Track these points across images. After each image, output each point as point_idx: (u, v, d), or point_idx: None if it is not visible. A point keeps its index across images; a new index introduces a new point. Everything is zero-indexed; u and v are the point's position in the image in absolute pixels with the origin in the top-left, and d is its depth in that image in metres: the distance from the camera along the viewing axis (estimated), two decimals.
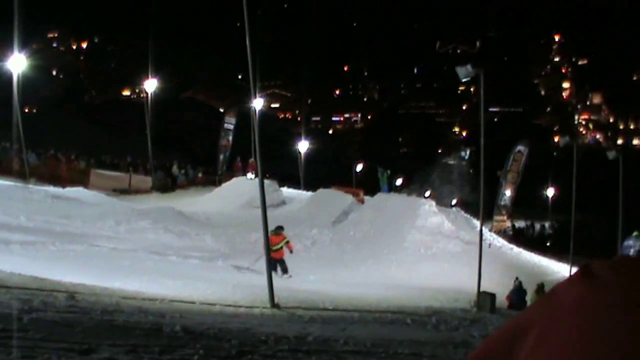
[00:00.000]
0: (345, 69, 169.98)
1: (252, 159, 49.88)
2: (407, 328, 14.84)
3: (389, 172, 44.90)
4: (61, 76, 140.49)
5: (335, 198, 40.28)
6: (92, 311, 11.35)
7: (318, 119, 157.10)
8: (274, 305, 16.13)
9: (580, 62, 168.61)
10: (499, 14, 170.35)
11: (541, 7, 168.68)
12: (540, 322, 1.00)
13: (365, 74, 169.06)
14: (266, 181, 33.36)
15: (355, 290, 21.98)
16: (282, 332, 11.64)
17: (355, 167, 63.20)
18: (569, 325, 0.94)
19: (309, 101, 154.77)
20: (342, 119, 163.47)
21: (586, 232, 49.62)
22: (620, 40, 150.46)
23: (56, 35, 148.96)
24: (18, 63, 36.44)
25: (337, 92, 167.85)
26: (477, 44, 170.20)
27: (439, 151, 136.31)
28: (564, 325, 0.95)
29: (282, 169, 54.31)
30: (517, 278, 24.51)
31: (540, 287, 24.10)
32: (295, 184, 52.09)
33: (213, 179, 51.19)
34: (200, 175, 53.48)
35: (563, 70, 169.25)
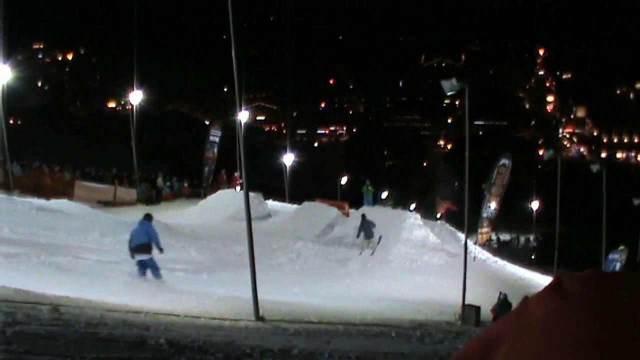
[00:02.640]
0: (331, 82, 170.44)
1: (236, 173, 49.95)
2: (392, 341, 14.85)
3: (370, 185, 44.89)
4: (46, 87, 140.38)
5: (320, 211, 40.28)
6: (77, 324, 11.30)
7: (303, 131, 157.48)
8: (258, 318, 16.09)
9: (564, 76, 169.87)
10: (483, 28, 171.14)
11: (526, 21, 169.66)
12: (511, 336, 1.00)
13: (351, 87, 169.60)
14: (251, 194, 33.36)
15: (340, 303, 21.96)
16: (267, 345, 11.62)
17: (340, 180, 63.30)
18: (538, 341, 0.95)
19: (294, 114, 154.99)
20: (327, 132, 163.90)
21: (570, 245, 49.86)
22: (604, 54, 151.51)
23: (41, 46, 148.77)
24: (2, 74, 36.29)
25: (323, 105, 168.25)
26: (462, 57, 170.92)
27: (424, 164, 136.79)
28: (533, 340, 0.96)
29: (267, 181, 54.29)
30: (501, 293, 24.53)
31: (525, 300, 24.15)
32: (280, 197, 52.07)
33: (198, 192, 51.12)
34: (185, 187, 53.39)
35: (547, 84, 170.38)
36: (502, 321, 1.06)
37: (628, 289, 0.95)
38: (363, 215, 34.24)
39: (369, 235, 33.21)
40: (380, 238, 32.88)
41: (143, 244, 21.48)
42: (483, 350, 1.04)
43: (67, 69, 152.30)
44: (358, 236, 33.63)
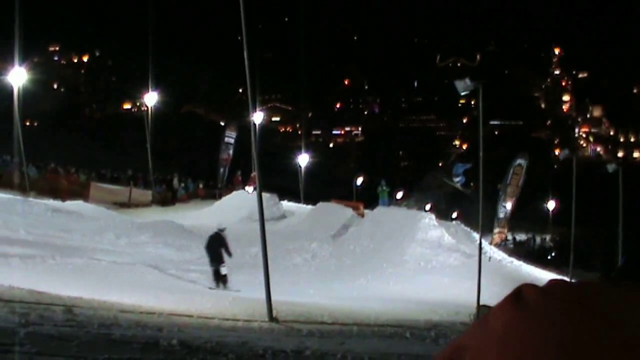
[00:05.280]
0: (346, 82, 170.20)
1: (254, 173, 49.97)
2: (406, 342, 14.79)
3: (385, 186, 44.83)
4: (62, 90, 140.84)
5: (335, 212, 40.25)
6: (90, 325, 11.31)
7: (318, 132, 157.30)
8: (272, 319, 16.06)
9: (580, 75, 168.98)
10: (499, 28, 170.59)
11: (541, 20, 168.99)
12: (473, 347, 0.99)
13: (366, 87, 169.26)
14: (266, 195, 33.39)
15: (355, 303, 21.91)
16: (280, 346, 11.60)
17: (356, 180, 63.22)
18: (498, 352, 0.94)
19: (310, 115, 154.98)
20: (342, 132, 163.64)
21: (587, 245, 49.59)
22: (620, 53, 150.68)
23: (57, 48, 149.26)
24: (19, 76, 36.51)
25: (338, 105, 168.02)
26: (477, 57, 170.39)
27: (439, 164, 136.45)
28: (493, 351, 0.94)
29: (282, 182, 54.26)
30: None
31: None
32: (295, 198, 52.07)
33: (213, 193, 51.16)
34: (200, 188, 53.46)
35: (563, 84, 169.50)
36: (467, 332, 1.05)
37: (589, 299, 0.94)
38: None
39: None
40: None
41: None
42: (452, 357, 1.03)
43: (82, 71, 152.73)
44: None
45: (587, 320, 0.90)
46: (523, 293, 0.99)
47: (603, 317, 0.90)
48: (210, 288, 22.33)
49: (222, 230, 24.46)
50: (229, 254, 23.38)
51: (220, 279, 22.81)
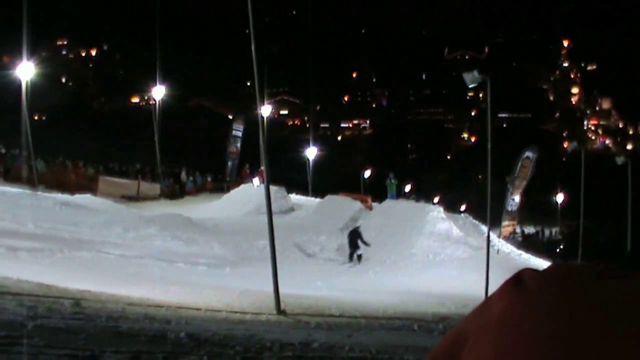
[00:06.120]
0: (354, 75, 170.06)
1: (262, 167, 49.98)
2: (414, 334, 14.77)
3: (394, 179, 44.78)
4: (70, 83, 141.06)
5: (343, 204, 40.27)
6: (98, 318, 11.33)
7: (326, 125, 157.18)
8: (280, 311, 16.07)
9: (589, 68, 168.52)
10: (506, 20, 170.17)
11: (549, 12, 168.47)
12: (474, 332, 0.98)
13: (374, 80, 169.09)
14: (274, 188, 33.45)
15: (362, 296, 21.93)
16: (288, 339, 11.60)
17: (364, 173, 63.18)
18: (496, 336, 0.93)
19: (317, 108, 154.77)
20: (350, 125, 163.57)
21: (595, 238, 49.46)
22: (629, 45, 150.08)
23: (65, 43, 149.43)
24: (27, 71, 36.57)
25: (346, 98, 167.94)
26: (486, 50, 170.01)
27: (448, 157, 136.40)
28: (491, 336, 0.94)
29: (290, 175, 54.26)
30: None
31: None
32: (303, 191, 52.10)
33: (221, 186, 51.20)
34: (208, 181, 53.49)
35: (572, 76, 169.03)
36: (468, 317, 1.04)
37: (590, 282, 0.94)
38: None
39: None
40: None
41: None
42: (453, 345, 1.02)
43: (90, 65, 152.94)
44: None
45: (587, 306, 0.89)
46: (523, 277, 0.97)
47: (603, 303, 0.89)
48: (346, 263, 30.85)
49: (358, 227, 32.84)
50: (365, 243, 31.26)
51: (358, 258, 31.00)
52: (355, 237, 31.28)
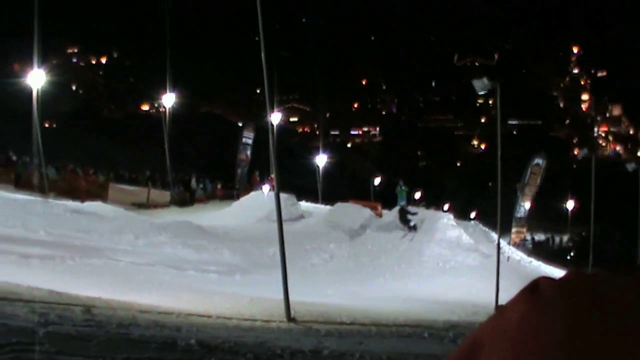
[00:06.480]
0: (363, 82, 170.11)
1: (272, 174, 50.05)
2: (424, 342, 14.75)
3: (404, 185, 44.76)
4: (80, 91, 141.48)
5: (353, 212, 40.21)
6: (108, 325, 11.35)
7: (336, 132, 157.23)
8: (290, 319, 16.05)
9: (599, 74, 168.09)
10: (516, 27, 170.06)
11: (559, 19, 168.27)
12: (490, 339, 0.99)
13: (383, 87, 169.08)
14: (284, 195, 33.43)
15: (373, 303, 21.89)
16: (298, 346, 11.61)
17: (374, 180, 63.18)
18: (513, 345, 0.93)
19: (328, 115, 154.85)
20: (360, 132, 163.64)
21: (606, 245, 49.30)
22: (639, 51, 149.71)
23: (75, 50, 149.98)
24: (37, 78, 36.72)
25: (355, 105, 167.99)
26: (495, 56, 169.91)
27: (458, 164, 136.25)
28: (508, 344, 0.94)
29: (300, 182, 54.30)
30: None
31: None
32: (313, 198, 52.09)
33: (231, 193, 51.25)
34: (218, 189, 53.56)
35: (582, 82, 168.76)
36: (484, 324, 1.04)
37: (607, 291, 0.93)
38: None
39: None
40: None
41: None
42: (469, 353, 1.02)
43: (100, 72, 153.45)
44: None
45: (604, 315, 0.89)
46: (540, 285, 0.98)
47: (620, 311, 0.89)
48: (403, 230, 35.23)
49: (403, 205, 38.56)
50: (413, 214, 36.24)
51: (413, 228, 35.22)
52: (404, 214, 36.23)
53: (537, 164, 49.24)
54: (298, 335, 14.02)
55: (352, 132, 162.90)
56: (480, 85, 24.67)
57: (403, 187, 44.38)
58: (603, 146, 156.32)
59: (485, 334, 1.00)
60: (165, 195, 47.62)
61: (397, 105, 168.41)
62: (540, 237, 72.36)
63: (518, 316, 0.95)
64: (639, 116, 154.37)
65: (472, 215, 59.20)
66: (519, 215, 49.08)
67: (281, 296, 16.78)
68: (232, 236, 33.18)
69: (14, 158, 46.07)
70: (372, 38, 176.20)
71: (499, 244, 25.55)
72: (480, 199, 71.80)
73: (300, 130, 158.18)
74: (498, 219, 26.22)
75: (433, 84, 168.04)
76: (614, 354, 0.85)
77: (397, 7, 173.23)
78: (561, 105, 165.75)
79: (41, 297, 13.52)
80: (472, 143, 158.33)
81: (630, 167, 42.64)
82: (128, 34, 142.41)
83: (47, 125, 79.13)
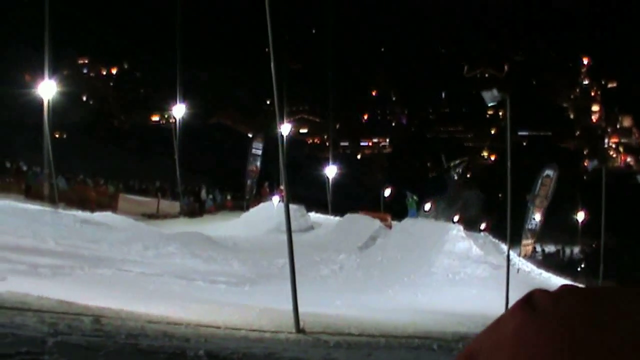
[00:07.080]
0: (373, 93, 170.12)
1: (282, 186, 50.16)
2: (434, 354, 14.71)
3: (416, 197, 44.80)
4: (91, 102, 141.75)
5: (362, 223, 40.18)
6: (117, 335, 11.37)
7: (346, 144, 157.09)
8: (299, 330, 16.04)
9: (609, 85, 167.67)
10: (526, 38, 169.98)
11: (569, 30, 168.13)
12: (485, 351, 0.98)
13: (393, 98, 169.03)
14: (294, 206, 33.47)
15: (382, 315, 21.85)
16: (307, 358, 11.60)
17: (383, 191, 63.14)
18: (507, 357, 0.92)
19: (337, 126, 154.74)
20: (370, 143, 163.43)
21: (617, 257, 49.16)
22: None
23: (86, 61, 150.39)
24: (48, 89, 36.89)
25: (365, 117, 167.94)
26: (505, 68, 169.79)
27: (468, 176, 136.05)
28: (502, 356, 0.93)
29: (310, 193, 54.30)
30: None
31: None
32: (323, 209, 52.06)
33: (241, 204, 51.30)
34: (228, 200, 53.64)
35: (592, 93, 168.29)
36: (479, 336, 1.03)
37: (601, 305, 0.93)
38: None
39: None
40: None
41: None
42: None
43: (111, 83, 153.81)
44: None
45: (597, 328, 0.88)
46: (534, 298, 0.98)
47: (613, 324, 0.88)
48: None
49: None
50: None
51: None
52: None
53: (548, 175, 49.11)
54: (307, 346, 14.00)
55: (362, 143, 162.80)
56: (490, 97, 24.70)
57: (413, 198, 44.41)
58: (613, 157, 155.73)
59: (482, 345, 1.00)
60: (175, 206, 47.73)
61: (407, 116, 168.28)
62: (550, 248, 72.19)
63: (513, 328, 0.95)
64: None
65: (482, 226, 59.01)
66: (529, 226, 48.95)
67: (290, 307, 16.76)
68: (241, 247, 33.22)
69: (25, 168, 46.27)
70: (382, 49, 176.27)
71: (509, 256, 25.51)
72: (490, 210, 71.66)
73: (310, 141, 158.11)
74: (508, 230, 26.18)
75: (443, 95, 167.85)
76: None
77: (407, 19, 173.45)
78: (571, 116, 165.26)
79: (50, 307, 13.54)
80: (482, 154, 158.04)
81: None
82: (139, 45, 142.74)
83: (57, 135, 79.26)
